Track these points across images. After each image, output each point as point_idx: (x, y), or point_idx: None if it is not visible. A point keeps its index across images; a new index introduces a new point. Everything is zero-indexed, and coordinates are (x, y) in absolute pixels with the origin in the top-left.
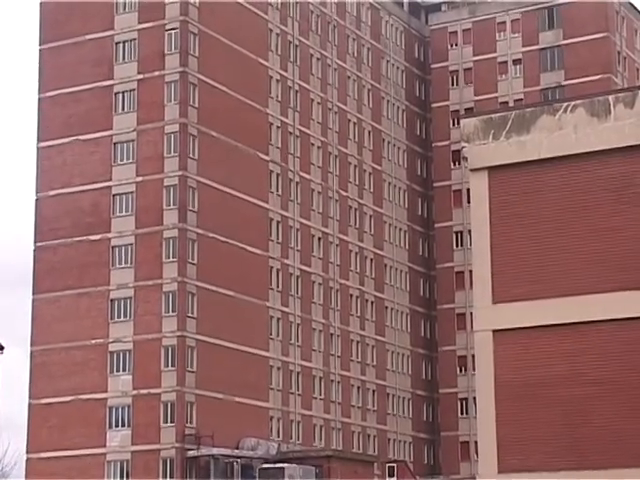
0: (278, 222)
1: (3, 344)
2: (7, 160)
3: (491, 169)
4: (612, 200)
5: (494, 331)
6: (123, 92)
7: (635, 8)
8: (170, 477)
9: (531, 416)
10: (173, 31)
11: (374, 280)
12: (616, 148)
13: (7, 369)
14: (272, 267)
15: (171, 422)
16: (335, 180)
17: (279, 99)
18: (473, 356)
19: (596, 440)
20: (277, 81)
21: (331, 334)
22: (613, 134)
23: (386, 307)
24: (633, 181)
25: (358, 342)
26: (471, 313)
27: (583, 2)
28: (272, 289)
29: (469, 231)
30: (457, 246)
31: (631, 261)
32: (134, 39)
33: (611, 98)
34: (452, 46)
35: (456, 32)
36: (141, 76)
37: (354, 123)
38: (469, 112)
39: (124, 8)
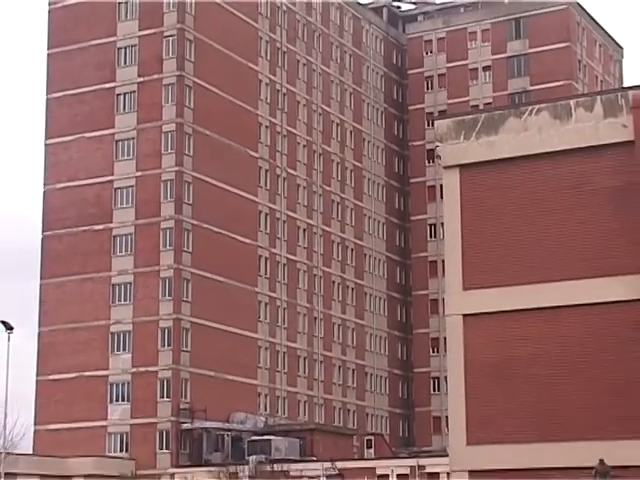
0: (266, 214)
1: (12, 324)
2: (18, 155)
3: (462, 167)
4: (572, 195)
5: (464, 315)
6: (124, 94)
7: (595, 20)
8: (166, 448)
9: (498, 393)
10: (171, 38)
11: (354, 268)
12: (577, 148)
13: (15, 348)
14: (261, 255)
15: (167, 397)
16: (319, 176)
17: (268, 101)
18: (445, 338)
19: (559, 415)
20: (266, 84)
21: (314, 317)
22: (574, 135)
23: (365, 293)
24: (591, 178)
25: (339, 325)
26: (443, 299)
27: (547, 14)
28: (260, 276)
29: (442, 224)
30: (431, 237)
31: (590, 251)
32: (135, 45)
33: (572, 103)
34: (427, 53)
35: (431, 40)
36: (141, 79)
37: (337, 124)
38: (442, 114)
39: (126, 16)
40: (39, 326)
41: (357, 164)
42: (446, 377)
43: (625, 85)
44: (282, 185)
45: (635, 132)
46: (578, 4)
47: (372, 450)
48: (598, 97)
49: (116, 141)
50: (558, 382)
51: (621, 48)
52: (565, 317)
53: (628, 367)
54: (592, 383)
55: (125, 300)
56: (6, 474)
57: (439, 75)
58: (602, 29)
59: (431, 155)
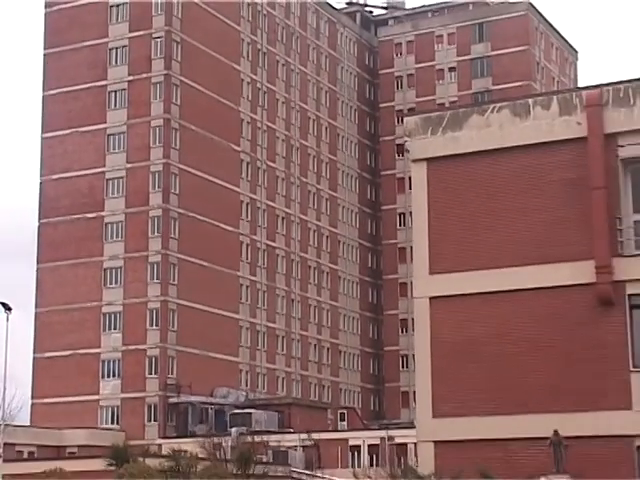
0: (247, 204)
1: (11, 306)
2: (15, 149)
3: (429, 160)
4: (531, 187)
5: (430, 298)
6: (115, 91)
7: (552, 25)
8: (154, 420)
9: (461, 370)
10: (159, 39)
11: (329, 254)
12: (534, 143)
13: (13, 328)
14: (242, 242)
15: (155, 374)
16: (297, 168)
17: (249, 99)
18: (413, 319)
19: (517, 390)
20: (248, 83)
21: (292, 299)
22: (532, 131)
23: (339, 277)
24: (547, 171)
25: (315, 306)
26: (411, 282)
27: (508, 19)
28: (242, 261)
29: (410, 213)
30: (400, 225)
31: (545, 239)
32: (125, 46)
33: (531, 101)
34: (397, 55)
35: (401, 43)
36: (131, 77)
37: (313, 120)
38: (411, 112)
39: (117, 19)
40: (36, 307)
41: (332, 157)
42: (414, 355)
43: (579, 86)
44: (262, 176)
45: (588, 129)
46: (536, 10)
47: (345, 422)
48: (554, 96)
49: (108, 135)
50: (516, 360)
51: (576, 51)
52: (522, 299)
53: (580, 345)
54: (548, 361)
55: (116, 283)
56: (5, 444)
57: (408, 75)
58: (558, 33)
59: (400, 149)
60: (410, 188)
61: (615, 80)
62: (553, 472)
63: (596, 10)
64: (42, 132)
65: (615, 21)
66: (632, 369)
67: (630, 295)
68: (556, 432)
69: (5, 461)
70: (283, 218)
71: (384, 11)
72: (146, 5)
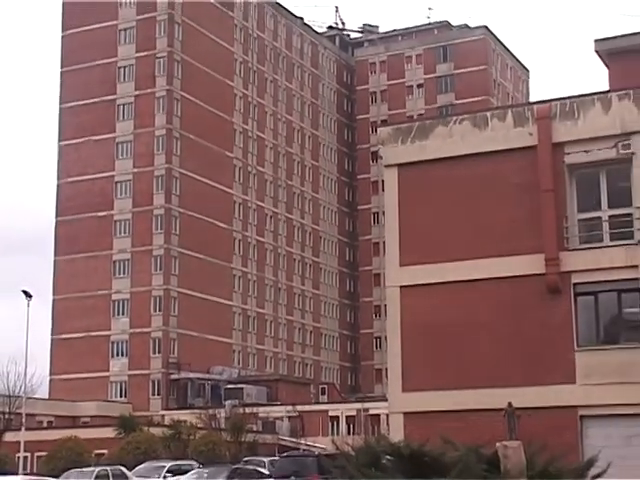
0: (240, 204)
1: (31, 293)
2: (36, 155)
3: (400, 165)
4: (489, 189)
5: (401, 287)
6: (123, 104)
7: (507, 48)
8: (157, 394)
9: (427, 350)
10: (162, 59)
11: (312, 248)
12: (492, 151)
13: (33, 313)
14: (235, 237)
15: (158, 353)
16: (283, 173)
17: (241, 111)
18: (385, 305)
19: (476, 367)
20: (240, 98)
21: (279, 288)
22: (490, 141)
23: (320, 268)
24: (503, 176)
25: (299, 294)
26: (384, 273)
27: (469, 42)
28: (235, 254)
29: (383, 212)
30: (374, 223)
31: (501, 235)
32: (132, 64)
33: (488, 114)
34: (372, 73)
35: (375, 63)
36: (137, 92)
37: (298, 130)
38: (384, 123)
39: (125, 41)
40: (53, 294)
41: (314, 163)
42: (386, 337)
43: (531, 100)
44: (252, 180)
45: (538, 139)
46: (493, 34)
47: (325, 396)
48: (509, 110)
49: (116, 143)
50: (476, 341)
51: (527, 70)
52: (481, 288)
53: (532, 328)
54: (503, 342)
55: (124, 274)
56: (27, 415)
57: (381, 91)
58: (512, 55)
59: (374, 156)
60: (383, 190)
61: (562, 96)
62: (507, 439)
63: (545, 35)
64: (59, 140)
65: (561, 44)
66: (576, 349)
67: (575, 284)
68: (510, 404)
69: (27, 429)
70: (271, 217)
71: (360, 34)
72: (150, 29)
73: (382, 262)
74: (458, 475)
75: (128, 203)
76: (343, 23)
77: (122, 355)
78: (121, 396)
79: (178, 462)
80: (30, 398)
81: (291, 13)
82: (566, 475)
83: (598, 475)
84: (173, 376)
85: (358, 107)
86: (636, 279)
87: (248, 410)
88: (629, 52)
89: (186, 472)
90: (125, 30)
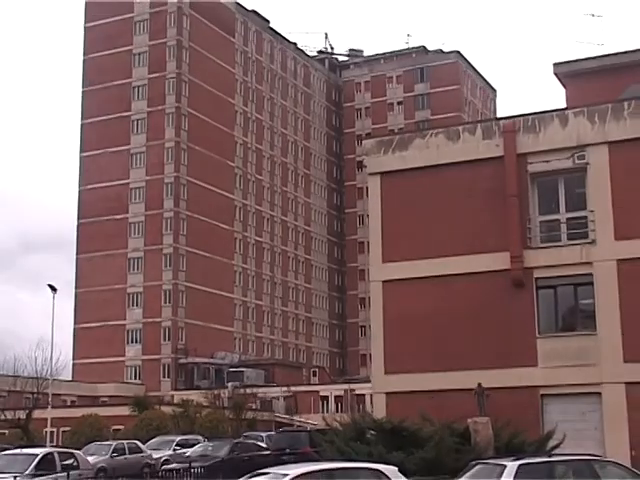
0: (240, 208)
1: (56, 287)
2: (60, 165)
3: (382, 174)
4: (461, 194)
5: (383, 281)
6: (137, 120)
7: (477, 70)
8: (167, 377)
9: (407, 337)
10: (172, 79)
11: (304, 247)
12: (464, 161)
13: (58, 305)
14: (236, 238)
15: (168, 340)
16: (279, 180)
17: (242, 125)
18: (369, 298)
19: (450, 352)
20: (240, 113)
21: (275, 282)
22: (461, 152)
23: (312, 265)
24: (473, 183)
25: (293, 288)
26: (368, 269)
27: (443, 65)
28: (236, 252)
29: (367, 215)
30: (359, 225)
31: (472, 235)
32: (145, 84)
33: (460, 128)
34: (357, 92)
35: (360, 83)
36: (150, 109)
37: (291, 142)
38: (368, 136)
39: (138, 64)
40: (75, 288)
41: (306, 171)
42: (370, 326)
43: (498, 116)
44: (252, 186)
45: (504, 150)
46: (464, 58)
47: (316, 378)
48: (478, 125)
49: (131, 154)
50: (450, 328)
51: (494, 90)
52: (454, 282)
53: (498, 318)
54: (474, 329)
55: (137, 270)
56: (53, 394)
57: (365, 108)
58: (481, 76)
59: (360, 165)
60: (367, 196)
61: (525, 112)
62: (477, 415)
63: (510, 58)
64: (80, 152)
65: (524, 67)
66: (538, 336)
67: (537, 278)
68: (479, 385)
69: (53, 407)
70: (268, 219)
71: (347, 58)
72: (161, 53)
73: (366, 259)
74: (433, 447)
75: (141, 207)
76: (332, 48)
77: (136, 342)
78: (135, 378)
79: (186, 436)
80: (55, 380)
81: (286, 39)
82: (528, 446)
83: (556, 446)
84: (181, 361)
85: (345, 122)
86: (590, 274)
87: (248, 391)
88: (583, 74)
89: (193, 445)
90: (139, 54)
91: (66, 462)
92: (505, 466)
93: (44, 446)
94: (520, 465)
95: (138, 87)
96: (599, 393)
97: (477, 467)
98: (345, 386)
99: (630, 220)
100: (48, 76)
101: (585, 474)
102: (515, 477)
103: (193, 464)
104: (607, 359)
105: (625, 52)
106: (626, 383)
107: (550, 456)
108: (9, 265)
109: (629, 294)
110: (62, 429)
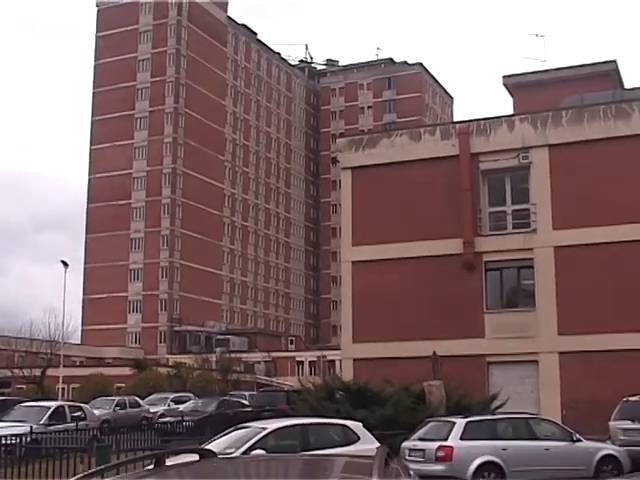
0: (229, 196)
1: (68, 262)
2: (73, 157)
3: (353, 168)
4: (421, 187)
5: (352, 262)
6: (140, 118)
7: (436, 80)
8: (163, 342)
9: (372, 310)
10: (171, 83)
11: (284, 231)
12: (424, 158)
13: (69, 278)
14: (225, 222)
15: (164, 310)
16: (263, 172)
17: (231, 124)
18: (340, 276)
19: (410, 324)
20: (230, 114)
21: (258, 262)
22: (423, 150)
23: (291, 247)
24: (432, 178)
25: (274, 267)
26: (339, 251)
27: (408, 75)
28: (225, 235)
29: (340, 204)
30: (333, 213)
31: (431, 223)
32: (147, 87)
33: (422, 130)
34: (333, 97)
35: (335, 88)
36: (151, 109)
37: (275, 139)
38: (342, 135)
39: (142, 69)
40: (85, 264)
41: (287, 165)
42: (340, 300)
43: (454, 120)
44: (239, 177)
45: (459, 150)
46: (426, 69)
47: (293, 345)
48: (438, 127)
49: (134, 148)
50: (410, 304)
51: (452, 98)
52: (414, 264)
53: (452, 295)
54: (431, 305)
55: (138, 249)
56: (64, 355)
57: (340, 111)
58: (440, 85)
59: (334, 161)
60: (340, 187)
61: (477, 117)
62: (431, 379)
63: (466, 70)
64: (90, 145)
65: (477, 78)
66: (485, 311)
67: (485, 262)
68: (434, 353)
69: (64, 367)
70: (253, 206)
71: (324, 67)
72: (162, 60)
73: (338, 243)
74: (393, 406)
75: (142, 194)
76: (311, 58)
77: (137, 312)
78: (136, 343)
79: (179, 394)
80: (66, 343)
81: (271, 49)
82: (475, 406)
83: (499, 406)
84: (175, 328)
85: (321, 122)
86: (531, 259)
87: (233, 356)
88: (528, 86)
89: (185, 402)
90: (143, 61)
91: (75, 414)
92: (455, 423)
93: (56, 400)
94: (468, 422)
95: (141, 89)
96: (536, 361)
97: (431, 424)
98: (318, 353)
99: (566, 212)
100: (65, 78)
101: (522, 430)
102: (463, 432)
103: (185, 418)
104: (544, 332)
105: (564, 68)
106: (559, 353)
107: (493, 415)
108: (22, 242)
109: (564, 277)
110: (72, 386)
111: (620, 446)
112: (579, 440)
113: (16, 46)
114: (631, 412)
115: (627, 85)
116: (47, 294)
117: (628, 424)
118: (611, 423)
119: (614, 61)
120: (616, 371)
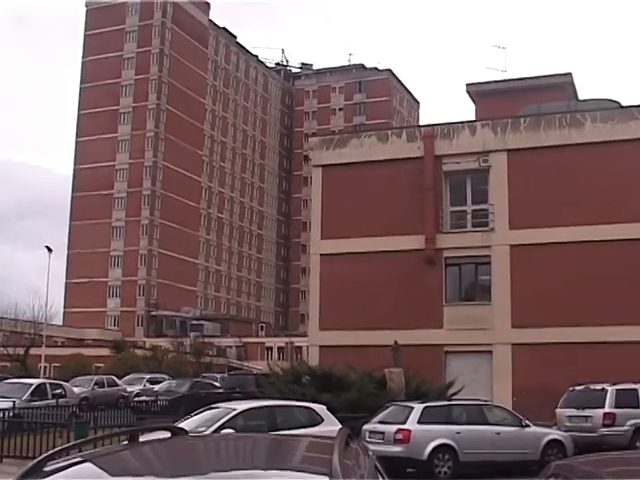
0: (206, 189)
1: (52, 248)
2: (60, 149)
3: (323, 166)
4: (388, 186)
5: (320, 255)
6: (124, 113)
7: (404, 85)
8: (141, 326)
9: (338, 301)
10: (154, 81)
11: (257, 223)
12: (391, 159)
13: (52, 263)
14: (201, 214)
15: (142, 296)
16: (239, 167)
17: (210, 121)
18: (309, 268)
19: (373, 314)
20: (209, 112)
21: (232, 252)
22: (390, 151)
23: (263, 238)
24: (399, 176)
25: (247, 257)
26: (309, 244)
27: (377, 80)
28: (201, 226)
29: (310, 200)
30: (304, 207)
31: (395, 220)
32: (132, 84)
33: (389, 132)
34: (306, 98)
35: (309, 91)
36: (135, 104)
37: (251, 137)
38: (314, 135)
39: (127, 67)
40: (68, 250)
41: (262, 162)
42: (308, 290)
43: (420, 124)
44: (216, 172)
45: (424, 152)
46: (394, 75)
47: (263, 332)
48: (404, 130)
49: (118, 141)
50: (373, 295)
51: (418, 102)
52: (379, 258)
53: (414, 288)
54: (393, 297)
55: (119, 237)
56: (46, 336)
57: (312, 112)
58: (408, 91)
59: (306, 158)
60: (311, 184)
61: (442, 122)
62: (392, 366)
63: (432, 77)
64: (76, 137)
65: (442, 85)
66: (444, 304)
67: (445, 257)
68: (396, 342)
69: (46, 346)
70: (228, 199)
71: (299, 70)
72: (146, 59)
73: (308, 236)
74: (356, 391)
75: (124, 185)
76: (287, 61)
77: (116, 296)
78: (114, 325)
79: (154, 375)
80: (49, 324)
81: (249, 52)
82: (433, 393)
83: (455, 393)
84: (152, 313)
85: (295, 122)
86: (488, 256)
87: (206, 340)
88: (489, 94)
89: (160, 382)
90: (128, 59)
91: (56, 391)
92: (413, 408)
93: (38, 378)
94: (425, 407)
95: (126, 86)
96: (490, 352)
97: (390, 408)
98: (286, 339)
99: (521, 214)
100: (54, 74)
101: (476, 415)
102: (420, 417)
103: (159, 397)
104: (498, 325)
105: (523, 78)
106: (512, 344)
107: (449, 401)
108: (5, 227)
109: (518, 273)
110: (53, 364)
111: (565, 432)
112: (528, 425)
113: (7, 42)
114: (576, 400)
115: (581, 97)
116: (29, 278)
117: (573, 412)
118: (558, 410)
119: (569, 74)
120: (564, 362)
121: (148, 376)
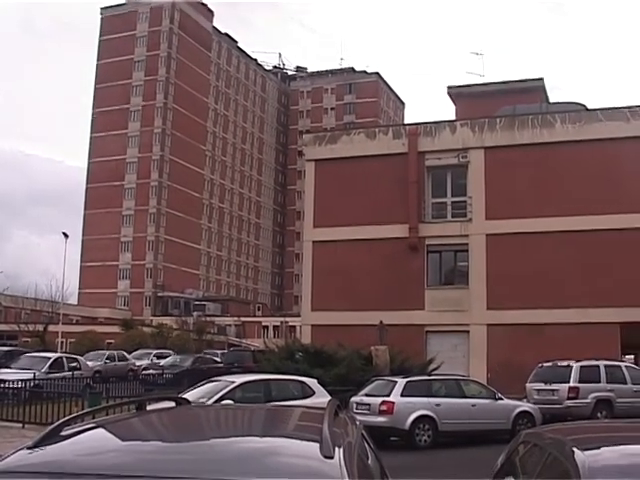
0: (208, 181)
1: (68, 234)
2: (76, 144)
3: (316, 161)
4: (375, 179)
5: (313, 241)
6: (134, 111)
7: (390, 87)
8: (149, 306)
9: (328, 284)
10: (161, 82)
11: (255, 213)
12: (378, 154)
13: (69, 248)
14: (204, 203)
15: (150, 278)
16: (238, 161)
17: (213, 119)
18: (303, 253)
19: (360, 295)
20: (212, 110)
21: (232, 239)
22: (377, 148)
23: (261, 227)
24: (385, 171)
25: (245, 243)
26: (302, 232)
27: (366, 82)
28: (204, 215)
29: (304, 191)
30: (298, 198)
31: (382, 210)
32: (141, 85)
33: (377, 130)
34: (301, 98)
35: (304, 92)
36: (144, 103)
37: (250, 133)
38: (307, 132)
39: (137, 69)
40: (83, 236)
41: (260, 156)
42: (302, 274)
43: (405, 122)
44: (218, 165)
45: (409, 148)
46: (382, 78)
47: (260, 312)
48: (390, 128)
49: (128, 137)
50: (361, 279)
51: (403, 103)
52: (366, 245)
53: (399, 273)
54: (379, 280)
55: (129, 224)
56: (63, 314)
57: (307, 111)
58: (394, 92)
59: (300, 153)
60: (304, 177)
61: (425, 121)
62: (378, 344)
63: (416, 80)
64: (91, 133)
65: (426, 86)
66: (426, 287)
67: (428, 245)
68: (381, 322)
69: (63, 324)
70: (229, 190)
71: (295, 72)
72: (155, 62)
73: (302, 224)
74: (345, 366)
75: (134, 177)
76: (284, 64)
77: (126, 278)
78: (124, 305)
79: (160, 350)
80: (65, 303)
81: (249, 55)
82: (415, 369)
83: (435, 369)
84: (159, 294)
85: (291, 120)
86: (466, 244)
87: (208, 319)
88: (468, 96)
89: (165, 357)
90: (138, 62)
91: (71, 365)
92: (396, 382)
93: (56, 352)
94: (407, 382)
95: (136, 86)
96: (467, 331)
97: (376, 382)
98: (281, 319)
99: (497, 205)
100: (71, 76)
101: (454, 389)
102: (403, 390)
103: (165, 371)
104: (475, 307)
105: (499, 82)
106: (487, 325)
107: (429, 376)
108: (21, 215)
109: (493, 260)
110: (69, 340)
111: (534, 404)
112: (501, 399)
113: (18, 47)
114: (544, 376)
115: (552, 97)
116: (45, 261)
117: (541, 385)
118: (527, 385)
119: (541, 79)
120: (534, 341)
121: (155, 352)
